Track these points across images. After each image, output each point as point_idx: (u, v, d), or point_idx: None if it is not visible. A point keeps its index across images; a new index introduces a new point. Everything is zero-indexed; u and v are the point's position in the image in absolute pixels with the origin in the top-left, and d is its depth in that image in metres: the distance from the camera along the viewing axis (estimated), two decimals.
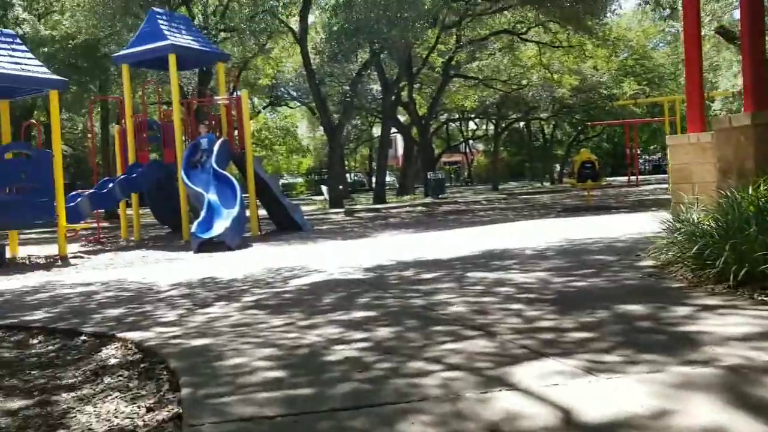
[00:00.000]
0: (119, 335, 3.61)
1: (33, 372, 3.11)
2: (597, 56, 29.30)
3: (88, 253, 11.83)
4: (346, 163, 50.80)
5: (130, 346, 3.35)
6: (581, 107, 35.19)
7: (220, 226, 11.10)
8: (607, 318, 3.15)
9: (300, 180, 54.34)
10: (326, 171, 52.63)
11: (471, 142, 55.51)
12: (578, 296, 3.74)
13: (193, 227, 10.91)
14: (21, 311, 4.94)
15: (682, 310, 3.17)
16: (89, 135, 13.52)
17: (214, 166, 12.32)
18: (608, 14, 21.84)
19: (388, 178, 49.04)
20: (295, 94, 36.33)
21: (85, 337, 3.77)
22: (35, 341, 3.91)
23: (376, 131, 52.21)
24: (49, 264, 10.27)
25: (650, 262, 4.65)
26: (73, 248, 12.63)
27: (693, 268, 3.83)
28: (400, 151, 53.95)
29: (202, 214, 11.40)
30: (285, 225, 13.78)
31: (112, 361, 3.18)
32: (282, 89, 35.36)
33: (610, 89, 33.84)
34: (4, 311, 5.03)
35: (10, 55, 10.87)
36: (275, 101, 36.71)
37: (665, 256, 4.40)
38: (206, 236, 10.72)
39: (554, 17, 21.33)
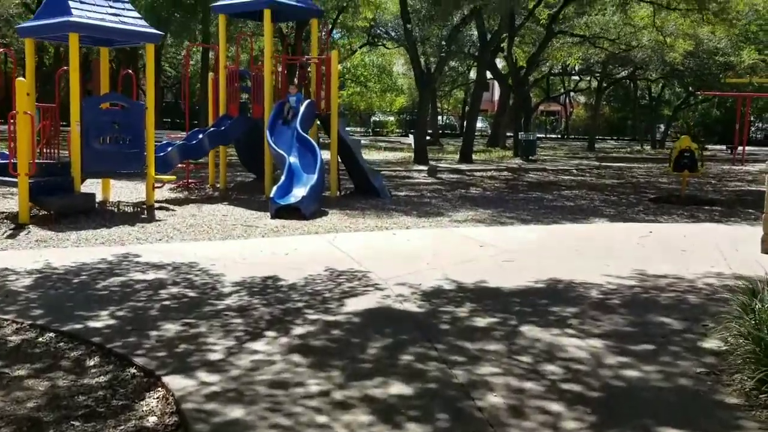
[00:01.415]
0: (165, 379, 3.74)
1: (75, 424, 3.27)
2: (709, 21, 27.17)
3: (174, 202, 12.29)
4: (439, 105, 50.12)
5: (170, 401, 3.47)
6: (694, 72, 33.07)
7: (298, 193, 11.27)
8: None
9: (392, 119, 54.11)
10: (417, 113, 52.35)
11: (572, 94, 53.50)
12: (624, 399, 3.57)
13: (273, 191, 11.11)
14: (88, 309, 5.19)
15: None
16: (184, 83, 13.81)
17: (298, 128, 12.41)
18: None
19: (480, 124, 48.15)
20: (393, 35, 35.77)
21: (135, 371, 3.93)
22: (91, 363, 4.12)
23: (473, 74, 51.12)
24: (135, 215, 10.73)
25: (716, 343, 4.37)
26: (162, 193, 13.16)
27: (757, 377, 3.56)
28: (496, 96, 52.72)
29: (282, 178, 11.58)
30: (364, 188, 13.82)
31: (150, 420, 3.30)
32: (380, 29, 34.88)
33: (727, 56, 31.53)
34: (75, 305, 5.31)
35: (111, 6, 11.14)
36: (372, 41, 36.31)
37: (732, 339, 4.12)
38: (284, 203, 10.91)
39: None
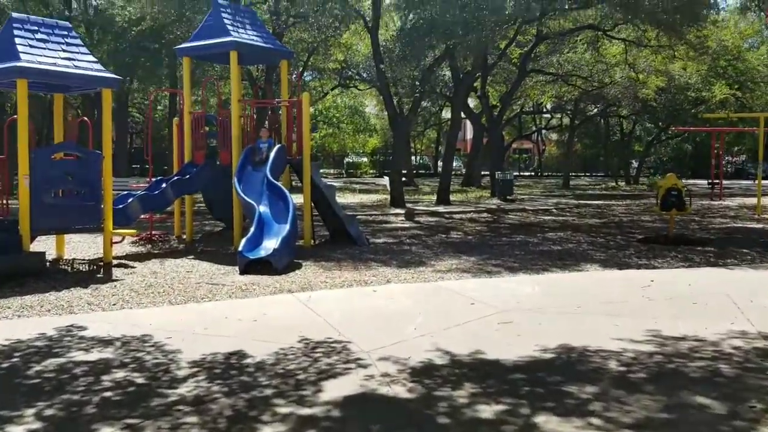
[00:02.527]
0: None
1: None
2: (688, 57, 27.23)
3: (135, 257, 11.38)
4: (412, 145, 49.81)
5: None
6: (666, 108, 33.10)
7: (269, 245, 10.44)
8: None
9: (365, 159, 53.61)
10: (392, 153, 51.91)
11: (543, 131, 53.64)
12: None
13: (241, 244, 10.26)
14: (11, 407, 4.28)
15: None
16: (147, 129, 13.01)
17: (268, 175, 11.63)
18: (707, 21, 20.03)
19: (453, 164, 47.88)
20: (365, 76, 35.41)
21: None
22: None
23: (446, 114, 51.01)
24: (90, 275, 9.83)
25: None
26: (123, 248, 12.25)
27: None
28: (469, 135, 52.60)
29: (252, 229, 10.76)
30: (339, 236, 13.03)
31: None
32: (351, 71, 34.48)
33: (698, 92, 31.64)
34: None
35: (63, 50, 10.38)
36: (344, 83, 35.87)
37: None
38: (253, 257, 10.07)
39: (648, 24, 19.65)
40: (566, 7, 19.88)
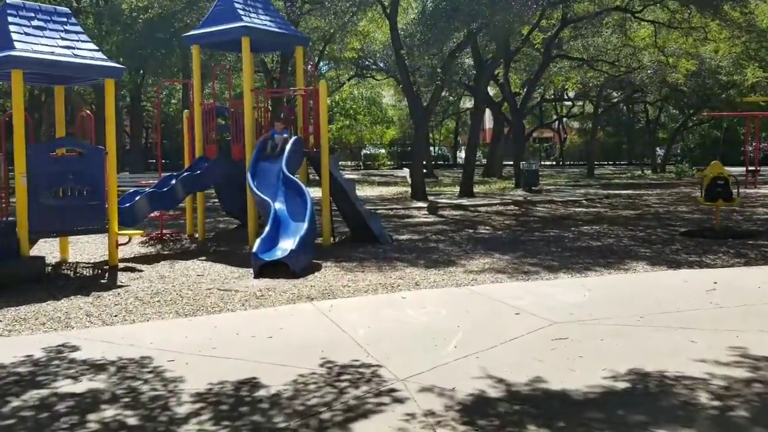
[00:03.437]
0: None
1: None
2: (720, 39, 26.00)
3: (144, 259, 10.64)
4: (431, 135, 48.77)
5: None
6: (695, 93, 31.85)
7: (285, 245, 9.64)
8: None
9: (382, 151, 52.65)
10: (410, 145, 50.90)
11: (564, 119, 52.38)
12: None
13: (256, 245, 9.45)
14: None
15: None
16: (154, 123, 12.24)
17: (284, 170, 10.80)
18: None
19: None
20: (382, 65, 34.44)
21: None
22: None
23: (464, 104, 49.87)
24: (93, 280, 9.10)
25: None
26: (132, 249, 11.53)
27: None
28: (488, 124, 51.42)
29: (267, 228, 9.94)
30: (361, 233, 12.20)
31: None
32: (369, 60, 33.53)
33: (730, 75, 30.35)
34: None
35: (62, 38, 9.61)
36: (361, 73, 34.93)
37: None
38: (269, 258, 9.27)
39: (681, 4, 18.53)
40: None
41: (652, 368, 4.61)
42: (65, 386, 4.65)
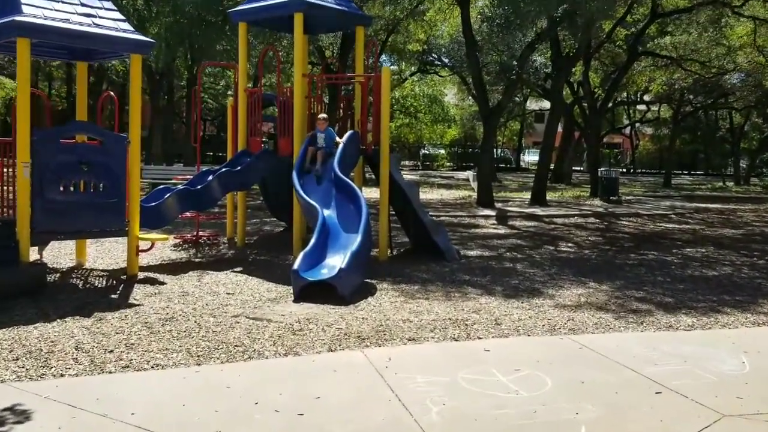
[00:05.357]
0: None
1: None
2: None
3: (172, 267, 9.10)
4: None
5: None
6: None
7: (333, 262, 7.92)
8: None
9: (442, 151, 50.64)
10: (471, 146, 48.75)
11: (637, 125, 49.27)
12: None
13: (298, 260, 7.73)
14: None
15: None
16: (195, 108, 10.67)
17: (336, 170, 9.05)
18: None
19: (534, 158, 44.15)
20: (447, 61, 32.47)
21: None
22: None
23: (530, 105, 47.37)
24: (103, 294, 7.59)
25: None
26: (162, 252, 10.04)
27: None
28: (558, 127, 48.70)
29: (313, 239, 8.21)
30: (423, 247, 10.40)
31: None
32: (433, 55, 31.61)
33: None
34: None
35: (82, 3, 8.04)
36: (424, 68, 33.01)
37: None
38: (312, 278, 7.54)
39: None
40: None
41: None
42: None
